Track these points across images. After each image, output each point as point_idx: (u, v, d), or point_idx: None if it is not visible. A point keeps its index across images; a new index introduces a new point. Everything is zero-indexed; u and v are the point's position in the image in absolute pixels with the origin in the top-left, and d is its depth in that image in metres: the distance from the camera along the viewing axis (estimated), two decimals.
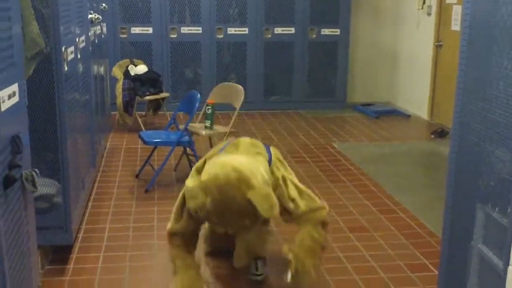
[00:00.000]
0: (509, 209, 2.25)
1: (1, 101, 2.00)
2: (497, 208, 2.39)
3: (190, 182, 2.84)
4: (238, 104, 5.39)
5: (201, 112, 5.64)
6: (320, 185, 5.19)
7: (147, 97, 7.01)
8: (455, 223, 2.80)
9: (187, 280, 3.07)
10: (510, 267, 2.28)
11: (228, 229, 2.93)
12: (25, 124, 2.36)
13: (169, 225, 3.21)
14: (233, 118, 5.39)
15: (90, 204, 4.66)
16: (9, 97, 2.12)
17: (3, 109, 2.01)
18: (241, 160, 2.91)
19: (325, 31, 8.25)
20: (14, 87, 2.19)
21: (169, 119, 6.30)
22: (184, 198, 3.01)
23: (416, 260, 3.76)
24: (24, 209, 2.29)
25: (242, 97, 5.41)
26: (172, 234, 3.18)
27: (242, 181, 2.74)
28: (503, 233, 2.33)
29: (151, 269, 3.66)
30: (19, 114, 2.28)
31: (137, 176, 5.36)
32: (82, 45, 4.29)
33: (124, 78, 7.03)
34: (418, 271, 3.59)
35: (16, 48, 2.24)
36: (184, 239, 3.15)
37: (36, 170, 2.33)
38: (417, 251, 3.87)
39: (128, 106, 7.00)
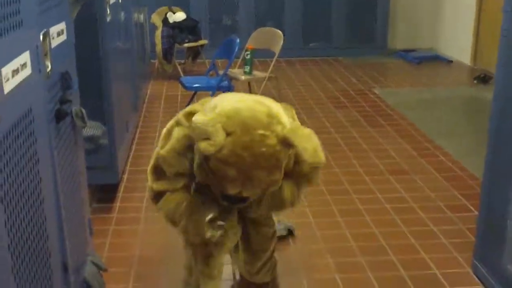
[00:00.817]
0: None
1: (51, 37, 2.06)
2: None
3: (198, 115, 2.01)
4: (277, 49, 5.39)
5: (240, 58, 5.66)
6: (360, 129, 5.20)
7: (186, 44, 7.05)
8: (496, 162, 2.80)
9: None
10: None
11: (246, 188, 2.08)
12: (73, 62, 2.43)
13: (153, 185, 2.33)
14: (273, 63, 5.40)
15: (133, 147, 4.77)
16: (58, 34, 2.17)
17: (53, 45, 2.07)
18: (260, 96, 2.22)
19: None
20: (62, 25, 2.25)
21: (207, 66, 6.33)
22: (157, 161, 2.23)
23: (456, 201, 3.78)
24: (74, 144, 2.38)
25: (281, 42, 5.41)
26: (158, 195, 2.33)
27: (272, 117, 2.02)
28: None
29: None
30: (68, 52, 2.34)
31: None
32: None
33: (163, 26, 7.07)
34: (458, 212, 3.61)
35: None
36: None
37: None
38: (458, 192, 3.88)
39: (167, 54, 7.05)
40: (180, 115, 2.23)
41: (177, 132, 2.21)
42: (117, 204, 3.80)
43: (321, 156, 2.09)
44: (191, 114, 2.10)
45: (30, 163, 1.75)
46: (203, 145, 1.94)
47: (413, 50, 8.38)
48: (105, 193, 3.87)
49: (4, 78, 1.52)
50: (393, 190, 3.96)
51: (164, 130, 2.30)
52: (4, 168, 1.50)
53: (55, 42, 2.12)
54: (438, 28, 8.55)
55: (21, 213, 1.64)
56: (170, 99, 6.26)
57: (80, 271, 2.43)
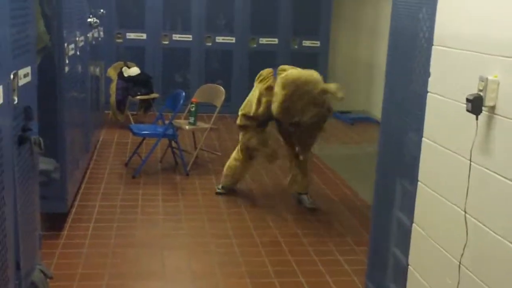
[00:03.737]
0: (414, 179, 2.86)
1: (19, 78, 2.59)
2: (408, 179, 3.00)
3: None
4: (219, 103, 6.00)
5: (186, 111, 6.24)
6: None
7: (138, 97, 7.61)
8: (380, 202, 3.41)
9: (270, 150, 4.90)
10: (414, 224, 2.88)
11: (297, 117, 4.30)
12: (34, 99, 2.95)
13: (245, 110, 4.73)
14: (214, 115, 6.00)
15: (83, 185, 5.24)
16: (24, 76, 2.71)
17: (20, 84, 2.61)
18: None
19: (306, 43, 8.89)
20: (28, 69, 2.78)
21: None
22: (260, 93, 4.59)
23: (362, 237, 4.34)
24: (32, 166, 2.88)
25: (223, 97, 6.03)
26: (246, 117, 4.71)
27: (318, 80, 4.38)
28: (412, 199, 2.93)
29: (134, 236, 4.25)
30: (31, 90, 2.87)
31: (126, 164, 5.94)
32: (81, 44, 4.90)
33: (118, 79, 7.63)
34: (362, 246, 4.16)
35: (31, 38, 2.84)
36: (257, 123, 4.70)
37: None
38: (365, 230, 4.45)
39: (120, 105, 7.59)
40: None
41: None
42: (65, 232, 4.25)
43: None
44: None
45: None
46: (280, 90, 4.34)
47: (348, 112, 9.12)
48: (54, 222, 4.31)
49: None
50: (311, 227, 4.53)
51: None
52: None
53: (22, 81, 2.66)
54: (372, 92, 9.34)
55: None
56: (121, 145, 6.76)
57: (30, 276, 2.89)
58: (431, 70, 2.72)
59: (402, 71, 3.11)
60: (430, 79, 2.72)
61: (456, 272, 2.39)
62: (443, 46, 2.63)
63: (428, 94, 2.73)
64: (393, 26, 3.20)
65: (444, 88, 2.59)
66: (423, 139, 2.78)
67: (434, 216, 2.66)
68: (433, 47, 2.71)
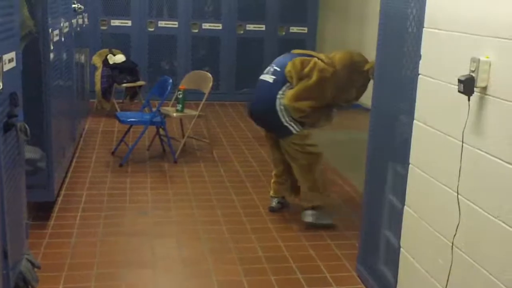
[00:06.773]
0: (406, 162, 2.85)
1: (4, 63, 2.53)
2: (399, 162, 2.99)
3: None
4: (206, 89, 5.94)
5: (173, 98, 6.19)
6: None
7: (124, 85, 7.54)
8: (371, 185, 3.40)
9: None
10: (405, 207, 2.87)
11: None
12: (19, 85, 2.89)
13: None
14: (202, 102, 5.94)
15: (69, 174, 5.18)
16: (9, 61, 2.65)
17: (4, 69, 2.55)
18: None
19: (294, 29, 8.85)
20: (13, 54, 2.72)
21: None
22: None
23: (353, 222, 4.32)
24: (18, 154, 2.82)
25: (211, 84, 5.97)
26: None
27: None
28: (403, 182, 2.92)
29: (123, 224, 4.21)
30: (16, 76, 2.81)
31: (113, 153, 5.88)
32: (66, 30, 4.82)
33: (103, 66, 7.55)
34: (353, 230, 4.15)
35: (15, 23, 2.78)
36: None
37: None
38: (356, 216, 4.43)
39: (106, 93, 7.52)
40: None
41: None
42: (52, 222, 4.20)
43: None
44: None
45: None
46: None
47: None
48: (40, 212, 4.25)
49: None
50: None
51: None
52: None
53: (6, 67, 2.60)
54: None
55: None
56: (107, 134, 6.69)
57: (17, 266, 2.84)
58: (422, 52, 2.70)
59: (393, 54, 3.10)
60: (421, 62, 2.70)
61: (449, 253, 2.38)
62: (434, 28, 2.61)
63: (419, 76, 2.71)
64: (383, 9, 3.18)
65: (436, 70, 2.57)
66: (415, 121, 2.77)
67: (426, 198, 2.65)
68: (423, 29, 2.69)
